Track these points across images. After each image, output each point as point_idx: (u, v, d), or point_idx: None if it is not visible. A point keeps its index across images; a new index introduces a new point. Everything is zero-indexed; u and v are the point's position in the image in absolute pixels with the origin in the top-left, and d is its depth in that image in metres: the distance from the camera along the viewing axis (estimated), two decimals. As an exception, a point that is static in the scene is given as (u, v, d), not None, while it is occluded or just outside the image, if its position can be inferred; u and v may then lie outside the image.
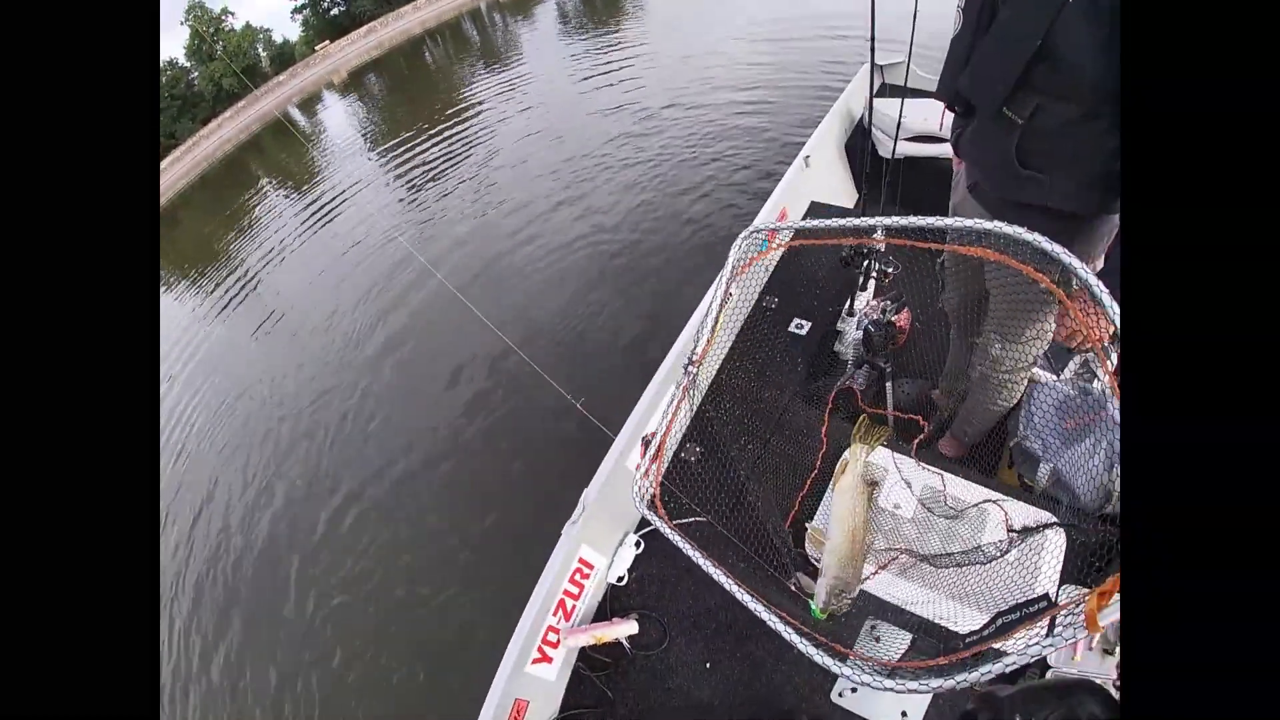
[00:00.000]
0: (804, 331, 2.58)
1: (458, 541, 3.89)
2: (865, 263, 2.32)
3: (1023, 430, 2.03)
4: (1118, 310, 1.04)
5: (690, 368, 1.59)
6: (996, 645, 1.00)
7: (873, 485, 1.93)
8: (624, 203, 6.54)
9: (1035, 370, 2.52)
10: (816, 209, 3.20)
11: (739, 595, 1.17)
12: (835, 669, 1.03)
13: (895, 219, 1.29)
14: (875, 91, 3.36)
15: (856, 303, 2.39)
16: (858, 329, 2.23)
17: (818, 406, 2.27)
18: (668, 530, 1.35)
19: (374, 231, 8.57)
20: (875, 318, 2.11)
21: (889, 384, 2.14)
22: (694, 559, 1.28)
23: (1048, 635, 0.84)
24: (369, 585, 3.91)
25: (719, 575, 1.21)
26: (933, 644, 1.56)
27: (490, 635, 2.14)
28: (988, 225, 1.17)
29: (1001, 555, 1.55)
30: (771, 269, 2.85)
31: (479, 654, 2.24)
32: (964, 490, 1.96)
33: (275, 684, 3.68)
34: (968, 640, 1.08)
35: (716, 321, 1.59)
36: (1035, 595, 1.03)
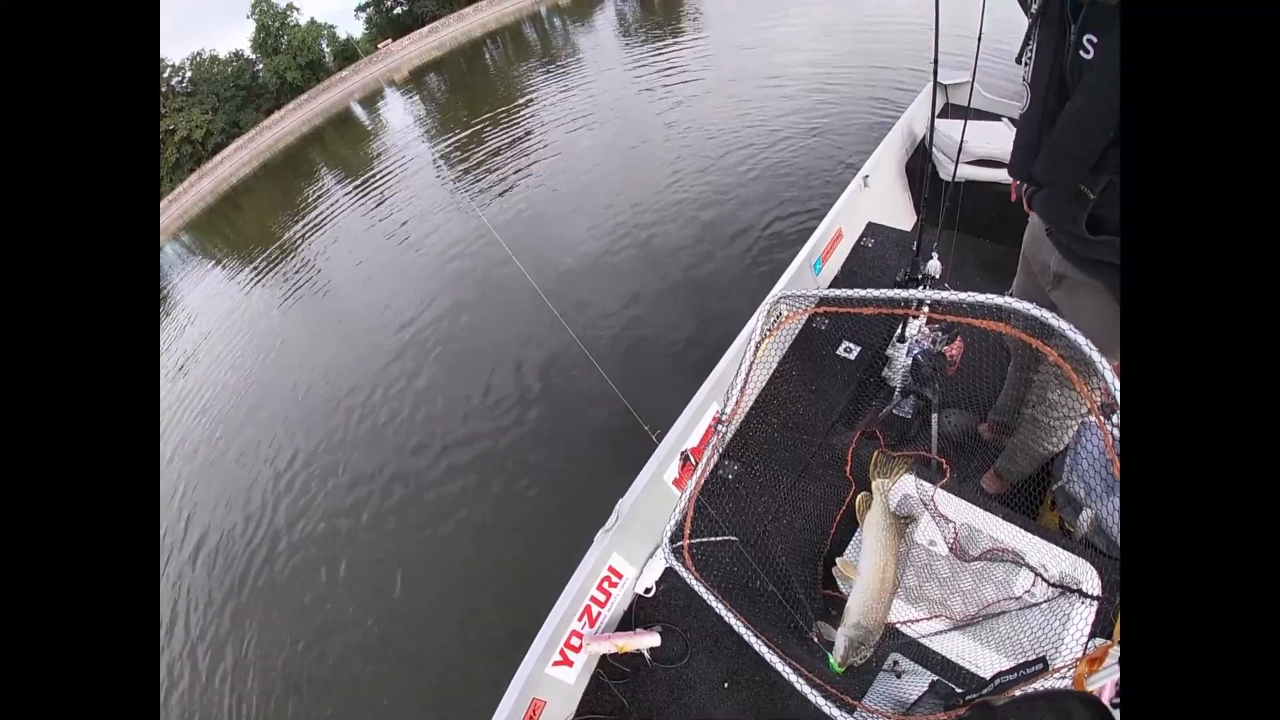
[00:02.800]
0: (853, 356, 2.54)
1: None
2: (920, 287, 2.28)
3: (1067, 474, 1.96)
4: (1116, 383, 1.15)
5: (721, 426, 1.60)
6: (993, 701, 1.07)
7: (908, 520, 1.89)
8: (682, 209, 6.57)
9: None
10: (873, 229, 3.15)
11: (754, 643, 1.23)
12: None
13: (932, 293, 1.34)
14: (938, 112, 3.31)
15: (909, 329, 2.34)
16: (907, 356, 2.18)
17: (861, 431, 2.24)
18: (694, 582, 1.40)
19: (439, 227, 8.79)
20: (925, 346, 2.06)
21: (935, 415, 2.09)
22: (711, 603, 1.33)
23: None
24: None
25: (737, 624, 1.27)
26: (949, 688, 1.52)
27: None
28: (999, 301, 1.31)
29: (1033, 605, 1.52)
30: (823, 288, 2.82)
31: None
32: (1002, 530, 1.90)
33: (291, 655, 3.79)
34: (967, 699, 1.18)
35: (745, 383, 1.61)
36: (1036, 656, 1.12)
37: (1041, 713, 0.61)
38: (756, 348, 1.61)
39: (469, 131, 11.86)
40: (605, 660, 1.96)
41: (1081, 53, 1.19)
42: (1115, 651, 0.87)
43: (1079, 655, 0.91)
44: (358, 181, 13.66)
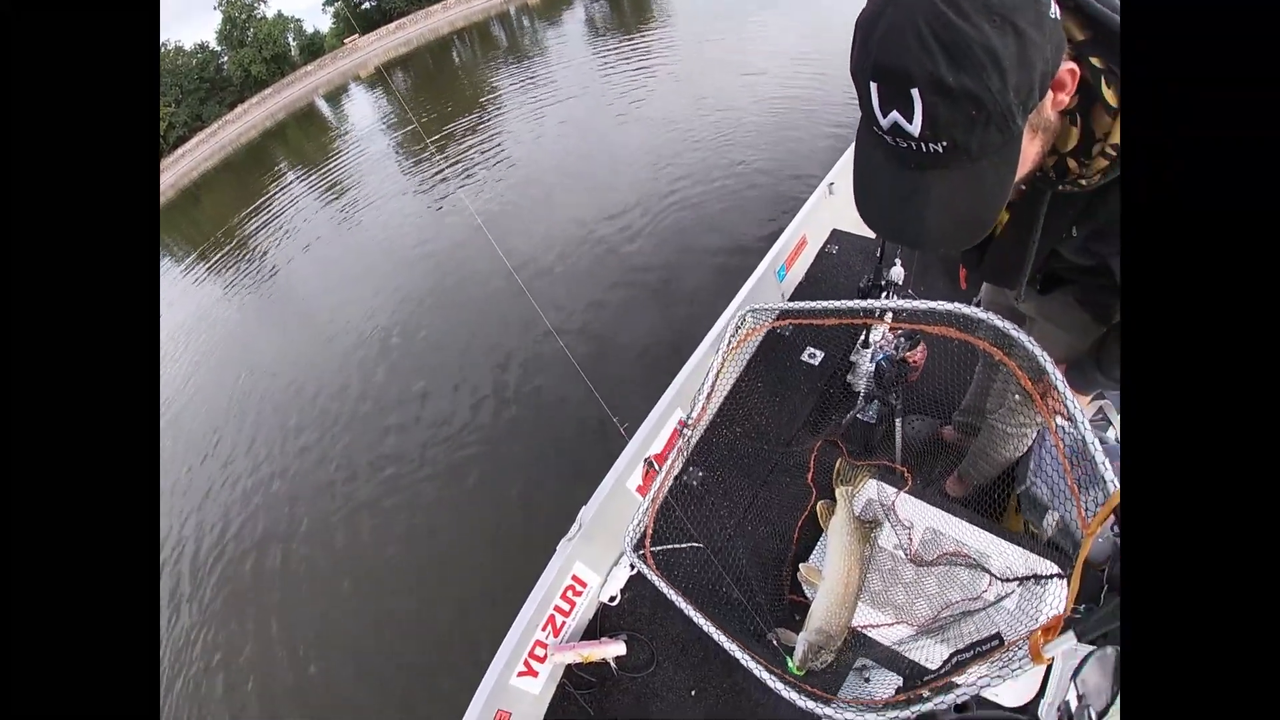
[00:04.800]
0: (816, 362, 2.56)
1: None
2: (884, 294, 2.30)
3: (1031, 477, 2.00)
4: (1070, 394, 1.20)
5: (686, 430, 1.60)
6: (955, 679, 1.10)
7: (873, 525, 1.90)
8: (654, 214, 6.55)
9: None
10: (838, 236, 3.18)
11: (722, 642, 1.22)
12: (818, 710, 1.10)
13: (894, 302, 1.36)
14: None
15: (872, 334, 2.36)
16: (871, 362, 2.20)
17: (824, 439, 2.25)
18: (659, 582, 1.39)
19: (399, 221, 8.65)
20: (889, 352, 2.08)
21: (898, 420, 2.11)
22: (679, 604, 1.33)
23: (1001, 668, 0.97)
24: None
25: (704, 624, 1.27)
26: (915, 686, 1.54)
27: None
28: (962, 310, 1.31)
29: (997, 602, 1.54)
30: (788, 295, 2.84)
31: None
32: (966, 534, 1.93)
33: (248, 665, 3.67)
34: (926, 679, 1.18)
35: (711, 390, 1.62)
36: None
37: None
38: (724, 358, 1.61)
39: (435, 128, 11.73)
40: (571, 670, 1.93)
41: None
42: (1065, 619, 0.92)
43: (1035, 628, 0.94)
44: (317, 176, 13.41)
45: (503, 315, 5.56)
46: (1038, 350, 1.24)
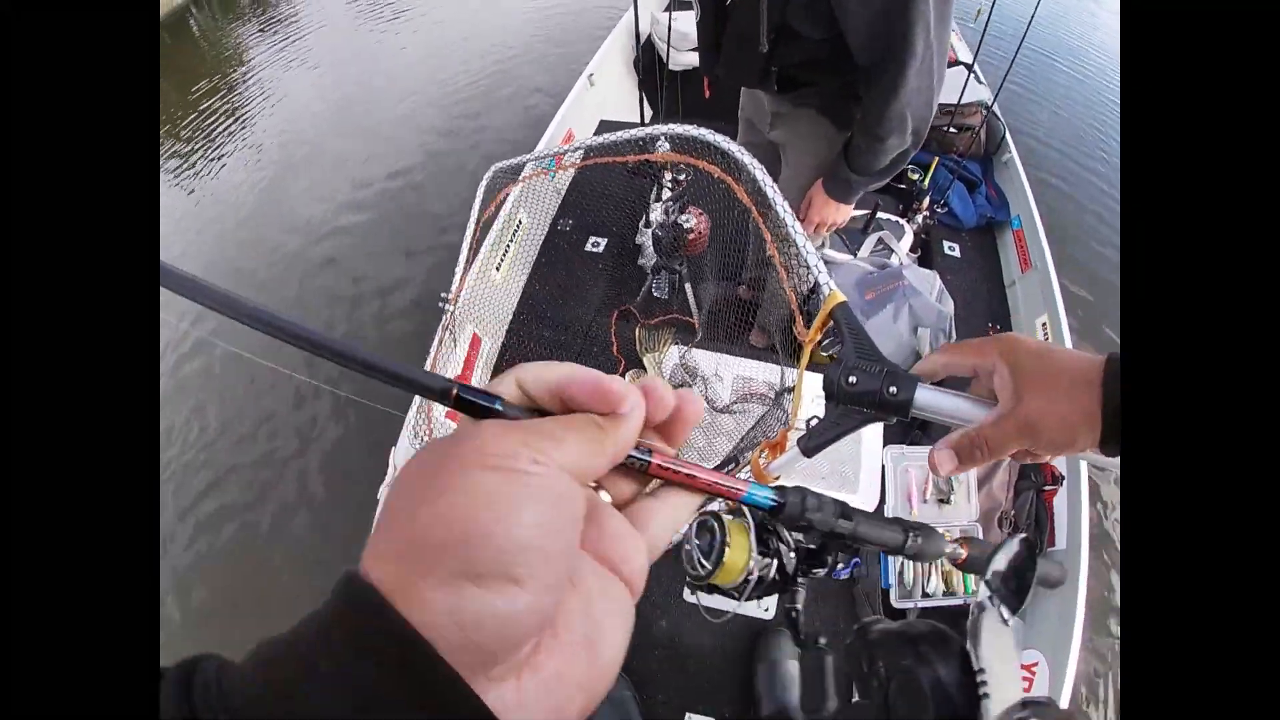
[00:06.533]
0: (600, 249, 2.56)
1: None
2: (655, 172, 2.30)
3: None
4: (791, 218, 1.16)
5: (446, 304, 1.54)
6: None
7: (685, 385, 1.96)
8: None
9: (830, 253, 2.66)
10: (606, 126, 3.14)
11: None
12: None
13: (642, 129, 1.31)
14: (664, 7, 3.35)
15: (652, 214, 2.37)
16: (651, 241, 2.22)
17: (618, 311, 2.29)
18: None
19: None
20: (661, 220, 2.10)
21: (688, 285, 2.16)
22: None
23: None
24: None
25: None
26: None
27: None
28: (691, 131, 1.25)
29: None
30: (563, 192, 2.79)
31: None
32: (774, 375, 2.03)
33: None
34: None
35: (473, 253, 1.56)
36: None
37: (903, 655, 0.56)
38: (478, 223, 1.55)
39: (185, 111, 10.12)
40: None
41: None
42: (793, 435, 0.83)
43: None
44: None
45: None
46: (750, 161, 1.25)
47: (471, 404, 0.25)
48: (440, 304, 1.56)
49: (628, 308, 2.25)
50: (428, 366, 1.77)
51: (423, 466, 0.22)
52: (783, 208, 1.24)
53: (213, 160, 6.73)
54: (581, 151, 1.46)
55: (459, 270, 1.56)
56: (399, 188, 5.19)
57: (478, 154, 5.27)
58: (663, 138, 1.25)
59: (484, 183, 1.59)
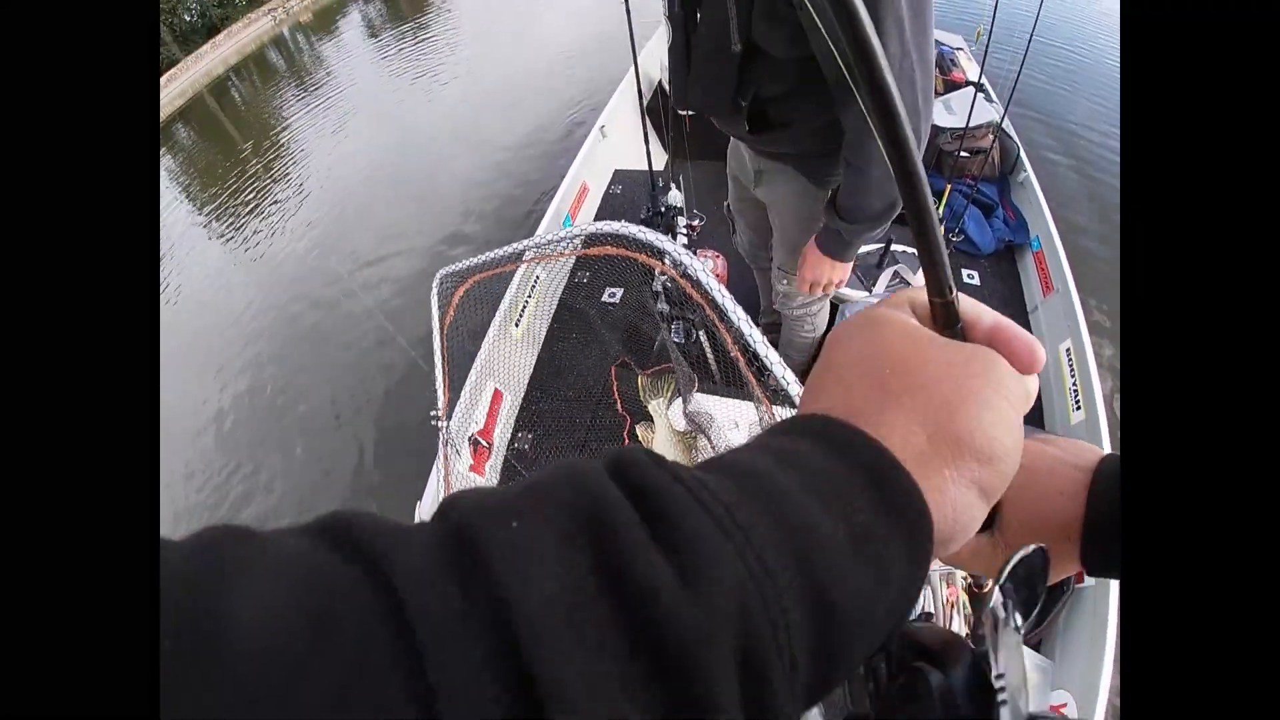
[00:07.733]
0: (616, 299, 2.59)
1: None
2: (665, 217, 2.35)
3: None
4: (711, 282, 1.25)
5: (438, 422, 1.59)
6: None
7: (694, 434, 1.97)
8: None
9: (845, 291, 2.65)
10: (620, 176, 3.21)
11: None
12: None
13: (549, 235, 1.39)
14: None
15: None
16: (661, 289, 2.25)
17: (615, 365, 2.31)
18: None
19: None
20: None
21: (702, 333, 2.17)
22: None
23: None
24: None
25: None
26: None
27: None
28: (601, 228, 1.37)
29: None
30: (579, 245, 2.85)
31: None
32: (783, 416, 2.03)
33: None
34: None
35: (445, 370, 1.62)
36: None
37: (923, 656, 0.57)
38: (441, 328, 1.60)
39: (235, 176, 10.65)
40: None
41: None
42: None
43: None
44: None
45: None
46: (649, 236, 1.30)
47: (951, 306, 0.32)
48: (433, 422, 1.61)
49: (624, 360, 2.28)
50: (435, 485, 1.82)
51: (970, 374, 0.29)
52: (736, 314, 1.23)
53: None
54: (523, 251, 1.53)
55: (439, 385, 1.62)
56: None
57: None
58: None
59: (434, 289, 1.65)
